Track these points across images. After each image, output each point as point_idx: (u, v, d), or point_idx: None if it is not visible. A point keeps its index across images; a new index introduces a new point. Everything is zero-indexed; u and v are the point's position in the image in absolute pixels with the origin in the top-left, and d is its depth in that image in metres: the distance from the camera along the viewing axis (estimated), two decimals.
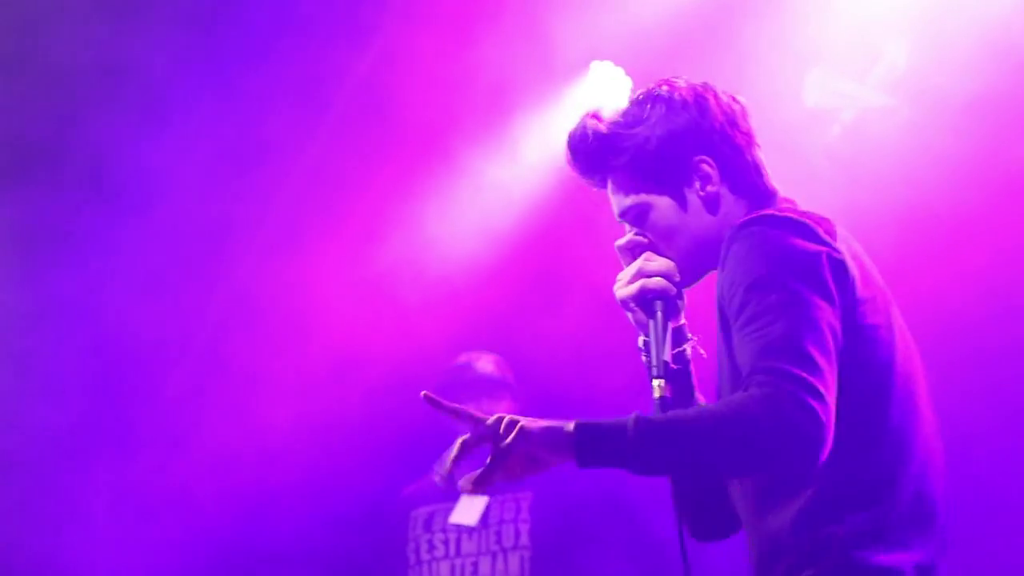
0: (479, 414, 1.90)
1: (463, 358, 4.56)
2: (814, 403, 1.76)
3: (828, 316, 1.85)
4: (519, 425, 1.85)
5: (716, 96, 2.17)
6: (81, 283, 4.71)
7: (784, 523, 1.92)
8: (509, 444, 1.84)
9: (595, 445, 1.82)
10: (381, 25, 4.58)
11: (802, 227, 1.93)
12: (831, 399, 1.79)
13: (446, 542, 4.39)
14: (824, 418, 1.76)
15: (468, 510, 4.34)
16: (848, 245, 1.99)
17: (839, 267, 1.91)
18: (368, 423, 4.78)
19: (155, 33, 4.43)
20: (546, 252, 4.69)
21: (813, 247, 1.91)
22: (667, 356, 2.06)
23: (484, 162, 4.56)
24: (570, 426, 1.83)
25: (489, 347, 4.62)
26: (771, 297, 1.84)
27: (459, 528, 4.37)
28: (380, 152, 4.77)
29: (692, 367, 2.19)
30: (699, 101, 2.15)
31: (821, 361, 1.80)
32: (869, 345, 1.91)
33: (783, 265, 1.88)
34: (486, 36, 4.41)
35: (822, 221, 1.99)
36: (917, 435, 1.94)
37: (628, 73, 4.57)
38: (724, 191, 2.11)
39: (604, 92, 4.64)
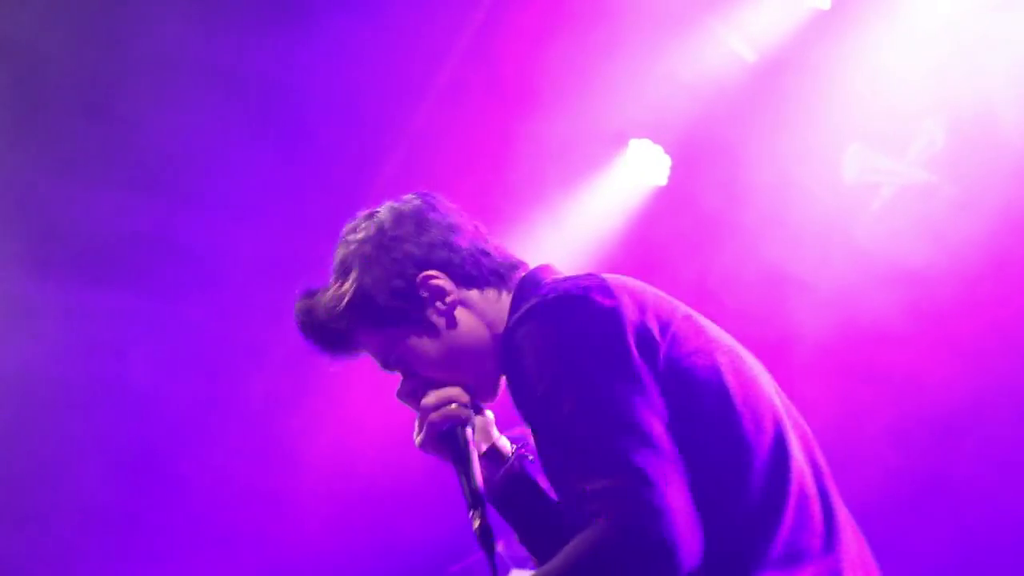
0: None
1: None
2: (655, 521, 1.62)
3: (638, 390, 1.69)
4: None
5: (429, 206, 1.99)
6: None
7: None
8: None
9: None
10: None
11: (582, 299, 1.76)
12: (672, 495, 1.64)
13: None
14: (666, 532, 1.62)
15: None
16: (631, 293, 1.80)
17: (628, 323, 1.74)
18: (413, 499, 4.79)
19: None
20: None
21: (604, 315, 1.74)
22: (477, 484, 1.94)
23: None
24: None
25: None
26: (571, 397, 1.69)
27: None
28: None
29: (530, 470, 2.05)
30: (409, 222, 1.97)
31: (645, 458, 1.65)
32: (688, 388, 1.73)
33: (576, 353, 1.72)
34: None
35: (593, 280, 1.80)
36: (768, 457, 1.74)
37: (667, 151, 4.63)
38: (466, 293, 1.95)
39: (641, 168, 4.70)
